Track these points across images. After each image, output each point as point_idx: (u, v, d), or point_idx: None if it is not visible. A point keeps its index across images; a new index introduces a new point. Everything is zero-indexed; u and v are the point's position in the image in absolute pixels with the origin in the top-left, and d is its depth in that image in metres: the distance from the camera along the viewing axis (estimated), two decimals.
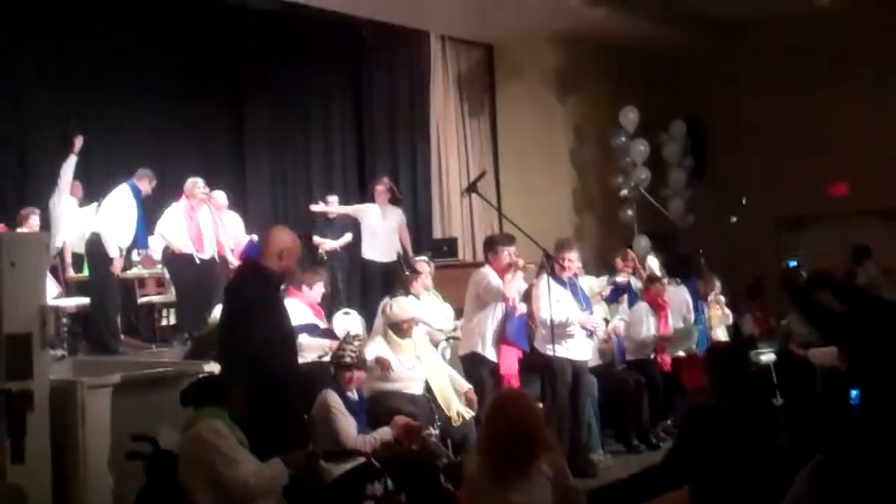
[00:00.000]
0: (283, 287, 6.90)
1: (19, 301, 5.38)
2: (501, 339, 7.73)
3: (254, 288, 5.58)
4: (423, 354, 7.43)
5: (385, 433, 6.41)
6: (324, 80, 14.40)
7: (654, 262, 11.58)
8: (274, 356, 5.44)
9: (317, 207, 12.44)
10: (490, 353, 7.73)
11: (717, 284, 10.79)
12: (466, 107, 14.23)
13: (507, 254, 7.81)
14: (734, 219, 12.96)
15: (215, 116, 13.92)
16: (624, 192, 11.73)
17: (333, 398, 6.52)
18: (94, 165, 11.75)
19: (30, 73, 11.81)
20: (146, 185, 10.09)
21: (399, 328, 7.34)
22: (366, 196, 13.40)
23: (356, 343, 6.88)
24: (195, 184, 10.70)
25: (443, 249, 12.41)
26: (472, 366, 7.81)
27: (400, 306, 7.49)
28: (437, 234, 13.50)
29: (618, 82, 14.43)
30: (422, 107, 13.91)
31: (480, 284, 7.81)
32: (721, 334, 10.52)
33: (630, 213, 13.66)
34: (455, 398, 7.31)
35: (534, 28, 13.58)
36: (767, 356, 10.52)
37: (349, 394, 6.65)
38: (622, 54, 14.20)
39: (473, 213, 13.90)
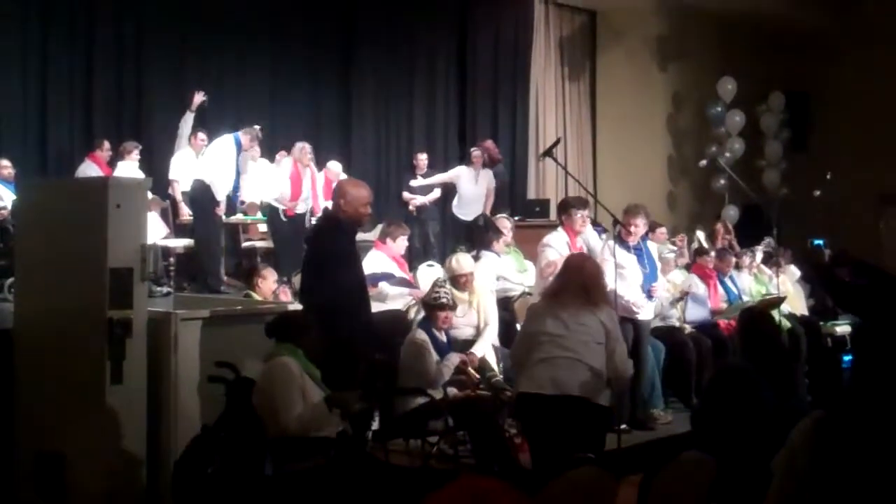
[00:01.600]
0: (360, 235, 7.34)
1: (122, 239, 5.93)
2: None
3: (328, 236, 6.12)
4: (480, 307, 7.86)
5: (453, 360, 6.96)
6: (431, 38, 14.84)
7: (700, 235, 11.74)
8: (345, 299, 5.98)
9: (416, 183, 12.97)
10: None
11: (758, 255, 10.86)
12: (567, 71, 14.53)
13: (580, 217, 8.00)
14: (818, 192, 13.04)
15: (324, 72, 14.43)
16: (703, 162, 11.92)
17: (422, 335, 7.07)
18: (210, 119, 12.41)
19: (150, 30, 12.55)
20: (248, 142, 10.71)
21: (457, 281, 7.80)
22: (465, 153, 13.93)
23: (448, 286, 7.40)
24: (303, 149, 11.41)
25: (535, 210, 12.78)
26: None
27: (458, 261, 7.96)
28: (532, 194, 13.87)
29: (719, 52, 14.57)
30: (523, 69, 14.26)
31: (540, 257, 8.02)
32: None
33: (722, 182, 13.82)
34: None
35: None
36: (843, 327, 10.62)
37: (437, 333, 7.19)
38: (725, 25, 14.32)
39: (569, 176, 14.19)
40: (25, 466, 6.11)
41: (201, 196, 10.47)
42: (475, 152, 12.66)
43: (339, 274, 6.00)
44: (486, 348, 7.71)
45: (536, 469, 5.67)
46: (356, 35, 14.62)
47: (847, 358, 8.81)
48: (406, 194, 12.96)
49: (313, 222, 10.69)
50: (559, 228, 8.14)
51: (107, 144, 11.35)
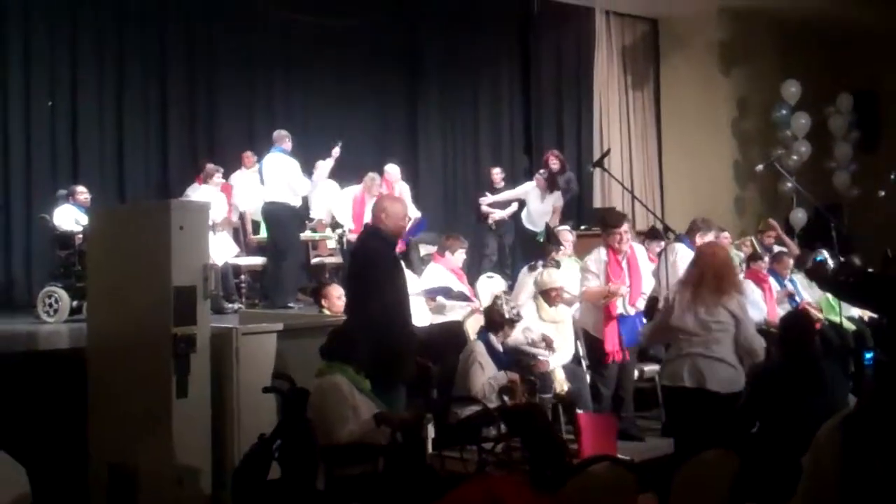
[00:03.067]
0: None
1: (185, 259, 6.22)
2: (607, 317, 7.97)
3: (373, 248, 6.37)
4: (562, 326, 8.08)
5: (500, 378, 7.11)
6: (494, 52, 15.11)
7: (753, 240, 11.67)
8: (393, 307, 6.23)
9: (485, 200, 13.14)
10: (597, 332, 8.08)
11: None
12: (630, 79, 14.61)
13: (617, 234, 8.00)
14: (882, 193, 12.90)
15: (390, 88, 14.78)
16: (759, 167, 11.91)
17: (479, 347, 7.29)
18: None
19: (220, 56, 13.01)
20: (288, 144, 10.93)
21: (548, 295, 8.05)
22: (532, 164, 14.16)
23: (511, 302, 7.61)
24: (374, 180, 11.74)
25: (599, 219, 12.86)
26: (586, 340, 8.31)
27: (549, 275, 8.23)
28: (597, 203, 13.97)
29: (782, 55, 14.51)
30: (586, 79, 14.39)
31: (581, 278, 8.19)
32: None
33: (789, 185, 13.76)
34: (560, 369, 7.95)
35: (701, 2, 13.86)
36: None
37: (495, 345, 7.38)
38: (787, 27, 14.27)
39: (634, 184, 14.29)
40: (98, 479, 6.42)
41: (277, 214, 10.77)
42: (537, 176, 12.84)
43: (386, 284, 6.25)
44: (557, 371, 7.94)
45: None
46: (421, 52, 14.95)
47: (869, 355, 8.78)
48: (484, 208, 13.18)
49: None
50: (601, 247, 8.15)
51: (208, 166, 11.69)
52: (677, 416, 6.37)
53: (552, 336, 7.99)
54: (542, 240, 11.39)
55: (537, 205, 12.66)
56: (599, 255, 8.06)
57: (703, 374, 6.10)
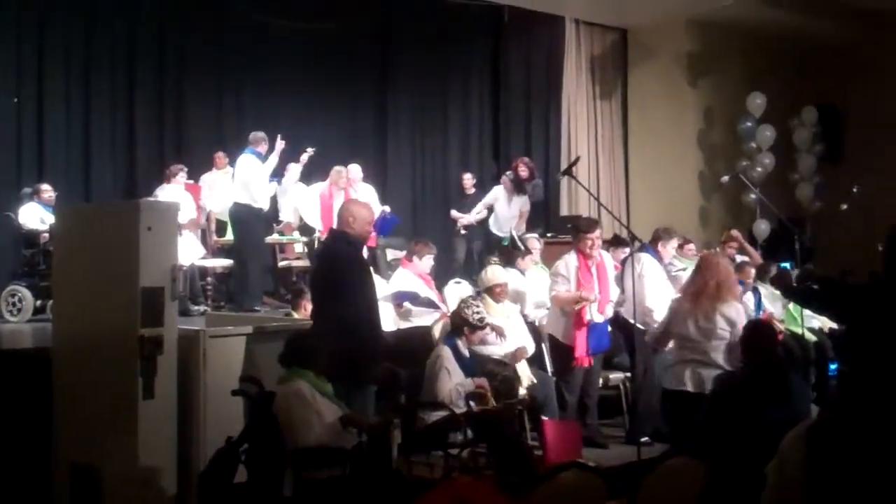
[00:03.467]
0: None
1: (153, 260, 6.18)
2: (576, 323, 8.01)
3: (342, 252, 6.40)
4: (511, 321, 8.14)
5: (467, 384, 7.12)
6: (464, 59, 15.17)
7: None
8: (365, 310, 6.26)
9: (456, 214, 13.23)
10: (563, 339, 8.13)
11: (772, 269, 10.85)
12: (598, 88, 14.68)
13: (590, 240, 8.08)
14: (844, 206, 13.08)
15: (361, 92, 14.78)
16: (724, 178, 12.04)
17: (446, 352, 7.29)
18: (243, 136, 12.72)
19: (190, 56, 12.99)
20: (264, 146, 10.88)
21: (492, 292, 8.10)
22: (500, 170, 14.23)
23: (479, 306, 7.62)
24: (340, 173, 11.69)
25: (567, 226, 12.89)
26: (553, 346, 8.38)
27: (493, 272, 8.32)
28: (564, 211, 14.01)
29: (749, 68, 14.69)
30: (555, 88, 14.43)
31: (551, 283, 8.26)
32: None
33: (753, 196, 13.91)
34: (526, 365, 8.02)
35: (669, 13, 13.95)
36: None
37: (462, 349, 7.41)
38: (755, 40, 14.44)
39: (601, 193, 14.36)
40: (62, 478, 6.38)
41: (242, 216, 10.72)
42: (503, 178, 12.93)
43: (355, 287, 6.27)
44: (522, 367, 7.97)
45: None
46: (391, 56, 14.94)
47: (833, 367, 8.91)
48: (454, 213, 13.22)
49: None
50: (572, 252, 8.23)
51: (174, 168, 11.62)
52: (679, 418, 6.67)
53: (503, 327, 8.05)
54: (507, 244, 11.50)
55: (504, 209, 12.72)
56: (570, 260, 8.12)
57: (702, 379, 6.59)
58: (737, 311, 6.83)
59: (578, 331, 7.99)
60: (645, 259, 8.32)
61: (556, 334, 8.20)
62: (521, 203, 12.72)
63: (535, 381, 7.92)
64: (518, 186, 12.70)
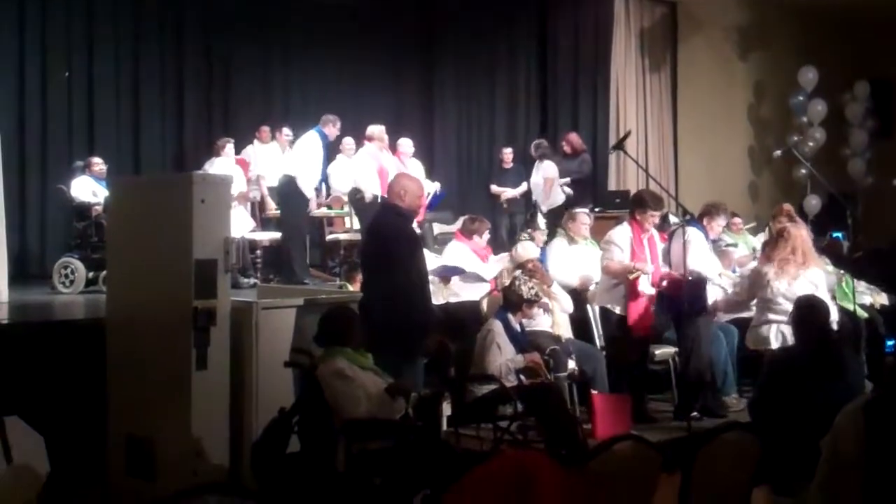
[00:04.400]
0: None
1: (207, 232, 6.24)
2: (632, 293, 7.97)
3: (394, 225, 6.40)
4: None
5: (518, 361, 7.13)
6: (512, 32, 15.06)
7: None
8: (418, 282, 6.28)
9: (496, 189, 13.24)
10: (618, 309, 8.06)
11: None
12: (647, 62, 14.53)
13: (652, 216, 8.10)
14: None
15: (406, 67, 14.79)
16: (777, 152, 11.88)
17: (497, 327, 7.31)
18: (294, 110, 12.79)
19: (237, 31, 13.06)
20: (332, 130, 10.91)
21: (524, 268, 8.09)
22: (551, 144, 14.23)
23: (532, 281, 7.63)
24: (380, 129, 11.49)
25: (615, 201, 12.86)
26: (603, 318, 8.32)
27: (524, 248, 8.38)
28: (612, 185, 13.94)
29: (800, 41, 14.48)
30: (604, 61, 14.32)
31: (604, 254, 8.20)
32: None
33: (803, 171, 13.76)
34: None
35: None
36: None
37: (513, 323, 7.42)
38: (806, 14, 14.23)
39: (650, 167, 14.25)
40: (117, 448, 6.48)
41: (288, 190, 10.76)
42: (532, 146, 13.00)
43: (407, 260, 6.28)
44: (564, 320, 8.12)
45: None
46: (437, 30, 14.93)
47: (890, 343, 8.82)
48: (495, 187, 13.21)
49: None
50: (625, 223, 8.21)
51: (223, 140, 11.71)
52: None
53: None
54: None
55: (533, 177, 12.76)
56: (625, 230, 8.09)
57: (786, 337, 7.14)
58: (818, 276, 7.66)
59: (633, 301, 7.94)
60: (691, 232, 8.29)
61: (610, 304, 8.13)
62: (545, 170, 12.69)
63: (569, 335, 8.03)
64: (539, 152, 12.72)
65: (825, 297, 7.47)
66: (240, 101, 13.25)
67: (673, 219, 9.38)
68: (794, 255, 7.72)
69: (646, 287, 7.98)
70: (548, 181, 12.59)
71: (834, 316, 7.67)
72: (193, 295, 6.17)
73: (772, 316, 7.65)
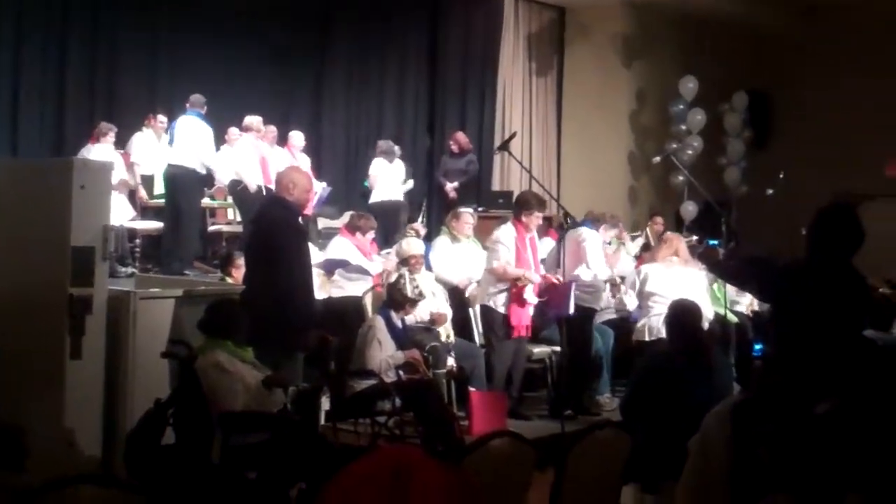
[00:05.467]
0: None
1: (85, 219, 6.14)
2: (516, 299, 8.10)
3: (280, 217, 6.38)
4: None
5: (398, 357, 7.18)
6: (402, 29, 15.09)
7: (648, 231, 12.22)
8: (301, 276, 6.27)
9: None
10: (501, 308, 8.16)
11: None
12: (534, 65, 14.78)
13: (537, 216, 8.31)
14: (770, 191, 13.38)
15: (297, 57, 14.65)
16: (656, 158, 12.22)
17: (379, 323, 7.36)
18: (177, 99, 12.54)
19: (122, 14, 12.77)
20: (204, 109, 10.76)
21: (407, 263, 8.22)
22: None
23: (416, 279, 7.68)
24: (258, 119, 11.42)
25: (498, 201, 12.99)
26: (485, 315, 8.42)
27: (409, 244, 8.57)
28: (496, 186, 14.11)
29: (682, 52, 14.86)
30: (491, 63, 14.49)
31: (490, 254, 8.31)
32: None
33: (681, 178, 14.12)
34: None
35: None
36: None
37: (395, 320, 7.47)
38: (689, 25, 14.61)
39: (533, 168, 14.45)
40: None
41: (183, 179, 10.56)
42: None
43: (291, 253, 6.27)
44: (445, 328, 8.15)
45: None
46: (329, 25, 14.85)
47: (758, 347, 9.17)
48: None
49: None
50: (509, 223, 8.34)
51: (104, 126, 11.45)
52: None
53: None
54: None
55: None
56: (509, 230, 8.21)
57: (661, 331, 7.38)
58: (698, 276, 8.35)
59: (516, 305, 8.07)
60: (585, 232, 8.56)
61: (491, 303, 8.23)
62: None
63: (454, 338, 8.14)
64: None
65: (703, 297, 7.83)
66: (124, 87, 12.94)
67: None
68: (678, 255, 8.42)
69: (530, 296, 8.11)
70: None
71: (709, 315, 8.01)
72: (70, 282, 6.08)
73: (658, 308, 7.96)
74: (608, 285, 8.94)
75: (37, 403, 6.10)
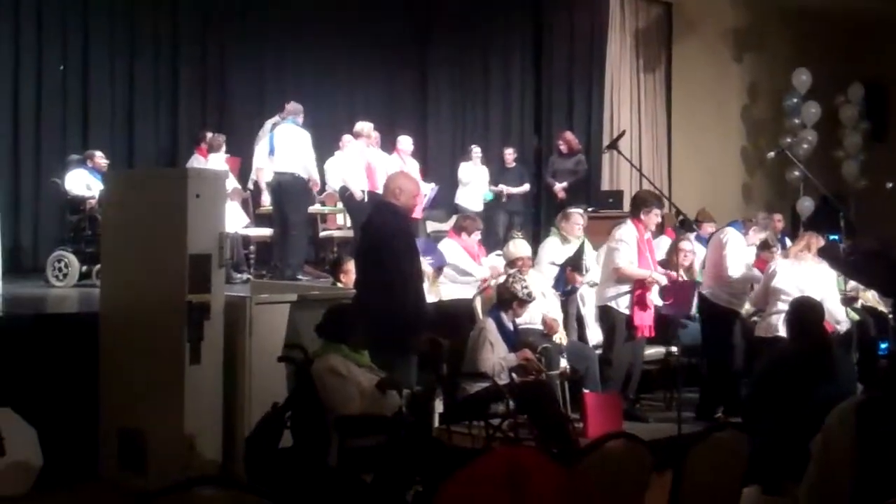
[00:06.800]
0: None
1: (201, 227, 6.27)
2: (639, 300, 8.00)
3: (390, 223, 6.39)
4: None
5: (511, 360, 7.15)
6: (507, 31, 15.12)
7: None
8: (410, 281, 6.27)
9: (504, 188, 13.44)
10: (624, 309, 8.06)
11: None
12: (642, 62, 14.59)
13: (655, 214, 8.19)
14: (890, 184, 12.98)
15: (402, 63, 14.78)
16: (771, 154, 11.94)
17: (489, 325, 7.34)
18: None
19: (231, 27, 13.05)
20: (301, 118, 10.82)
21: (514, 265, 8.18)
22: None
23: (526, 280, 7.65)
24: (368, 125, 11.48)
25: (608, 201, 12.89)
26: (605, 316, 8.30)
27: (515, 245, 8.48)
28: (605, 185, 13.98)
29: (794, 44, 14.59)
30: (598, 60, 14.36)
31: (612, 254, 8.17)
32: None
33: (796, 173, 13.81)
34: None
35: None
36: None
37: (506, 322, 7.45)
38: (801, 16, 14.30)
39: (643, 167, 14.28)
40: (109, 441, 6.49)
41: (287, 186, 10.71)
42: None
43: (401, 257, 6.27)
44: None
45: None
46: (432, 27, 14.92)
47: (884, 346, 8.88)
48: (503, 187, 13.40)
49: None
50: (629, 222, 8.20)
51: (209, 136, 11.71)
52: None
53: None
54: None
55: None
56: (631, 229, 8.11)
57: None
58: (829, 272, 7.92)
59: (640, 306, 7.98)
60: (730, 232, 8.58)
61: (614, 304, 8.11)
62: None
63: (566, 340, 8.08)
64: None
65: (833, 295, 7.74)
66: (234, 97, 13.22)
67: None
68: (809, 251, 8.12)
69: (655, 297, 8.04)
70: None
71: (839, 316, 7.83)
72: (188, 289, 6.20)
73: (781, 306, 7.69)
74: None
75: (158, 408, 6.26)
